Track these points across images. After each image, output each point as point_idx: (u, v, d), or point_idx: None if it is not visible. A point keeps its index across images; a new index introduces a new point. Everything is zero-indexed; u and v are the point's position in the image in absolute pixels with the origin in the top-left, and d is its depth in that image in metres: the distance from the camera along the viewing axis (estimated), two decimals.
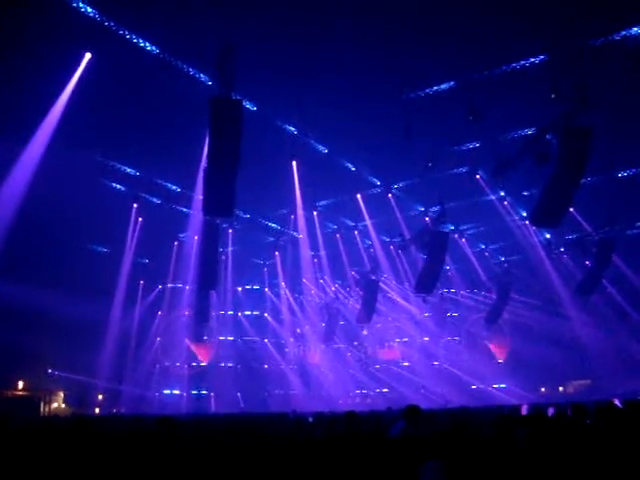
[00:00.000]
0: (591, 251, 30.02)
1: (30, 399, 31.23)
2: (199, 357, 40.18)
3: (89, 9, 15.94)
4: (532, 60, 18.39)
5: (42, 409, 31.33)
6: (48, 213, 22.03)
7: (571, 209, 24.15)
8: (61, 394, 34.93)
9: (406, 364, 43.06)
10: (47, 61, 16.67)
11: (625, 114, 19.61)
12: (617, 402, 11.49)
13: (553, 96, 17.73)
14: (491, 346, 42.32)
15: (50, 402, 33.30)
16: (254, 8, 15.59)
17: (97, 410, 33.99)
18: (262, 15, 15.85)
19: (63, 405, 34.71)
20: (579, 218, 28.85)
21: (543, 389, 39.71)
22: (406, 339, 43.69)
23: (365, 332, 43.05)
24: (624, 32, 17.22)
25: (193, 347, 39.71)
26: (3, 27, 15.61)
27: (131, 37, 17.05)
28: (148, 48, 17.42)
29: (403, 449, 5.84)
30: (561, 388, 40.35)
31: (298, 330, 43.64)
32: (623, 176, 26.16)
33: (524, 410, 13.84)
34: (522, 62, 18.48)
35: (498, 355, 42.14)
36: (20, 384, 32.78)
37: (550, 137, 18.55)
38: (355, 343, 44.89)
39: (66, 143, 19.33)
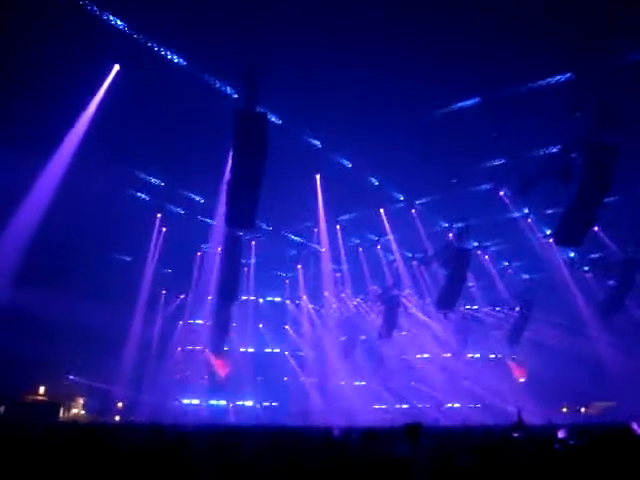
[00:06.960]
0: (615, 271, 29.60)
1: (50, 405, 31.35)
2: (217, 370, 39.90)
3: (119, 22, 16.19)
4: (558, 78, 18.29)
5: (62, 415, 31.48)
6: (71, 221, 22.19)
7: (595, 228, 23.91)
8: (81, 400, 35.12)
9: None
10: (76, 72, 16.83)
11: None
12: (635, 426, 11.05)
13: (578, 114, 17.64)
14: (511, 365, 41.79)
15: (70, 408, 33.48)
16: (281, 23, 15.71)
17: (117, 418, 34.07)
18: (289, 31, 15.94)
19: (82, 412, 34.89)
20: (604, 237, 28.53)
21: (565, 409, 39.08)
22: (427, 355, 43.26)
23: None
24: None
25: (212, 359, 39.48)
26: (32, 38, 15.88)
27: (159, 49, 17.24)
28: (175, 60, 17.61)
29: None
30: (583, 409, 39.70)
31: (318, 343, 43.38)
32: None
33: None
34: (548, 80, 18.39)
35: (518, 375, 41.60)
36: (41, 389, 33.02)
37: (575, 155, 18.39)
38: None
39: (92, 153, 19.55)
